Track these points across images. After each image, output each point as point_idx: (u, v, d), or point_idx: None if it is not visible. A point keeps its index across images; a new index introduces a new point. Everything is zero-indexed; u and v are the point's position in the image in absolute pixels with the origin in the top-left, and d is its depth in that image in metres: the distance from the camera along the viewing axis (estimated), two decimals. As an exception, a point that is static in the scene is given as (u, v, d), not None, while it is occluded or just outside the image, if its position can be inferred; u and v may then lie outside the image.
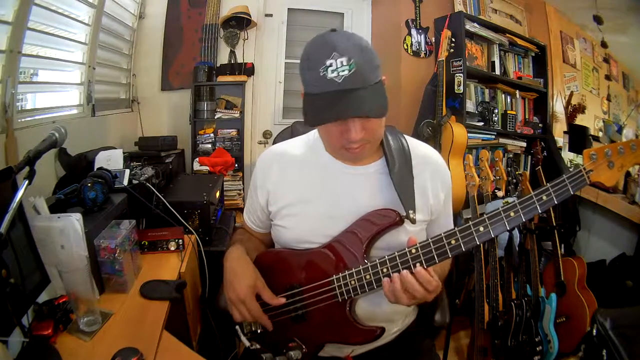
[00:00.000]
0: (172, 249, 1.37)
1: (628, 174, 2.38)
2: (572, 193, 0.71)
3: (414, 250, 0.77)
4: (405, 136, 0.95)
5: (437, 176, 0.93)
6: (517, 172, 2.24)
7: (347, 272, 0.82)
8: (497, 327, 1.77)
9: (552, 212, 2.00)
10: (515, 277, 1.94)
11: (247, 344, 0.92)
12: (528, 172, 2.18)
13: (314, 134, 0.97)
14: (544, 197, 0.71)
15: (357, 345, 0.91)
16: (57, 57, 1.70)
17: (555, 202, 0.71)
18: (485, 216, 0.74)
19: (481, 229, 0.74)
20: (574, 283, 1.88)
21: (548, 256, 2.10)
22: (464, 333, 2.10)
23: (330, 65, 0.71)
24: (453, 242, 0.75)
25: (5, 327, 0.77)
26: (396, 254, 0.78)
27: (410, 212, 0.82)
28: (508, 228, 0.73)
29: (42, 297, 0.93)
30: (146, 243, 1.35)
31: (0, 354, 0.74)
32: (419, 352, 0.99)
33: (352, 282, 0.81)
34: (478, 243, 0.74)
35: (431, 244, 0.76)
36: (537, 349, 1.82)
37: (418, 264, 0.76)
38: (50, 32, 1.58)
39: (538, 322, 1.86)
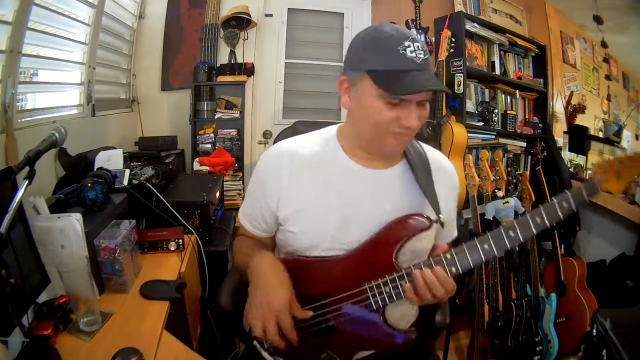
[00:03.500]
0: (172, 249, 1.37)
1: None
2: (587, 201, 0.75)
3: (448, 256, 0.77)
4: (419, 141, 0.94)
5: (450, 184, 0.93)
6: (517, 172, 2.25)
7: (381, 281, 0.80)
8: (497, 327, 1.77)
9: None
10: (515, 277, 1.94)
11: (270, 359, 0.89)
12: (528, 172, 2.18)
13: (327, 133, 0.92)
14: (565, 204, 0.75)
15: (392, 351, 0.87)
16: (57, 57, 1.70)
17: (574, 209, 0.75)
18: (514, 222, 0.77)
19: (511, 233, 0.76)
20: (574, 283, 1.89)
21: (548, 256, 2.10)
22: (464, 333, 2.10)
23: (409, 46, 0.74)
24: (486, 247, 0.77)
25: (5, 327, 0.77)
26: (431, 260, 0.78)
27: (440, 216, 0.83)
28: (535, 232, 0.76)
29: (42, 297, 0.93)
30: (146, 243, 1.35)
31: (0, 354, 0.74)
32: (420, 351, 0.99)
33: (387, 290, 0.79)
34: (509, 247, 0.77)
35: (465, 249, 0.77)
36: (537, 349, 1.83)
37: (454, 268, 0.77)
38: (50, 32, 1.58)
39: (538, 322, 1.87)
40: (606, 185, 0.77)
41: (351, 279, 0.82)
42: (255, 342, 0.90)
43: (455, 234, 1.00)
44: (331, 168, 0.87)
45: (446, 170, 0.93)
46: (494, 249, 0.77)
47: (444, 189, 0.90)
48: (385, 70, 0.75)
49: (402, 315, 0.90)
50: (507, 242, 0.76)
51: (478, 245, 0.77)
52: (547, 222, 0.75)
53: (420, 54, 0.75)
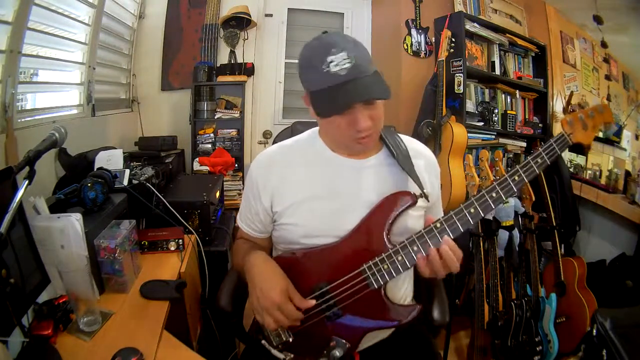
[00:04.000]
0: (172, 249, 1.37)
1: (628, 174, 2.38)
2: (559, 153, 0.84)
3: (438, 225, 0.81)
4: (398, 134, 0.99)
5: (430, 167, 0.99)
6: (517, 172, 2.24)
7: (377, 259, 0.82)
8: (497, 327, 1.77)
9: (552, 212, 2.00)
10: (515, 277, 1.94)
11: (281, 356, 0.90)
12: (528, 172, 2.17)
13: (309, 133, 0.99)
14: (539, 160, 0.83)
15: (399, 327, 0.88)
16: (57, 57, 1.71)
17: (548, 163, 0.83)
18: (494, 183, 0.82)
19: (494, 194, 0.81)
20: (574, 283, 1.88)
21: (548, 256, 2.10)
22: (464, 333, 2.10)
23: (332, 61, 0.75)
24: (472, 210, 0.80)
25: (5, 327, 0.77)
26: (422, 231, 0.81)
27: (425, 190, 0.88)
28: (515, 190, 0.82)
29: (42, 297, 0.93)
30: (146, 243, 1.35)
31: (0, 354, 0.74)
32: (421, 346, 1.01)
33: (385, 267, 0.82)
34: (493, 207, 0.81)
35: (453, 215, 0.81)
36: (537, 349, 1.83)
37: (445, 235, 0.80)
38: (50, 32, 1.58)
39: (538, 322, 1.86)
40: (575, 138, 0.85)
41: (348, 264, 0.85)
42: (263, 342, 0.91)
43: (442, 213, 1.04)
44: (318, 162, 0.93)
45: (424, 153, 1.00)
46: (480, 211, 0.80)
47: (424, 171, 0.96)
48: (317, 90, 0.79)
49: (402, 290, 0.95)
50: (491, 203, 0.81)
51: (464, 210, 0.80)
52: (525, 178, 0.81)
53: (345, 63, 0.75)
